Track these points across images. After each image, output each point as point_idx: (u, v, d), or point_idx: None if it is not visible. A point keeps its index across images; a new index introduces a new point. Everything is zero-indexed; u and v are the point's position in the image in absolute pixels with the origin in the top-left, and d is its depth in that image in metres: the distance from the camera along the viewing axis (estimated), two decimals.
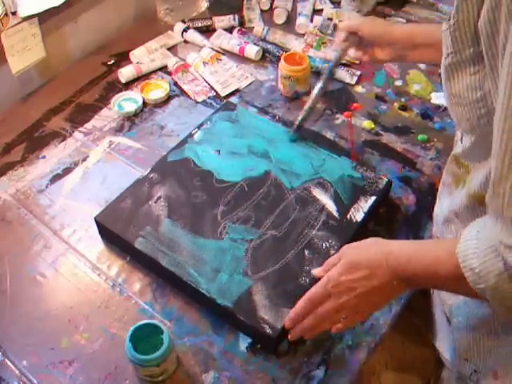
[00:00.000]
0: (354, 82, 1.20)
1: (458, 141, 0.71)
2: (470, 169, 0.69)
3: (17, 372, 0.76)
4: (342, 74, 1.21)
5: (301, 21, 1.34)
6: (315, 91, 1.02)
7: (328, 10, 1.38)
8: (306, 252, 0.84)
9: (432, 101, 1.16)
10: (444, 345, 0.86)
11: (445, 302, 0.82)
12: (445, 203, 0.79)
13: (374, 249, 0.69)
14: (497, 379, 0.74)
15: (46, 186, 1.01)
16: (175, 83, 1.22)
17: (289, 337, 0.76)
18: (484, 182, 0.64)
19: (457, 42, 0.55)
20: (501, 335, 0.72)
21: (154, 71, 1.25)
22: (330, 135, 1.09)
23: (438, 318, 0.88)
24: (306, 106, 1.02)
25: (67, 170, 1.04)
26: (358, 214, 0.89)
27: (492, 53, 0.50)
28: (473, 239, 0.57)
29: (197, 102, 1.17)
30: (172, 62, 1.24)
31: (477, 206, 0.68)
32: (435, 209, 0.85)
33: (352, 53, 1.02)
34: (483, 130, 0.58)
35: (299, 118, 1.02)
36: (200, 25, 1.35)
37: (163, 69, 1.26)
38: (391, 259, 0.66)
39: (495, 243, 0.54)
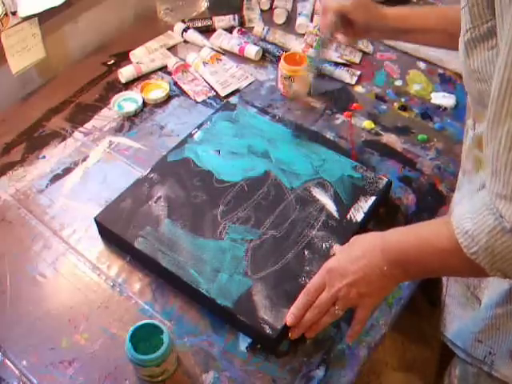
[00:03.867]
0: (353, 82, 1.20)
1: (469, 130, 0.71)
2: None
3: (17, 372, 0.76)
4: (342, 73, 1.21)
5: (301, 21, 1.34)
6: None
7: None
8: (306, 252, 0.84)
9: (432, 101, 1.16)
10: (456, 332, 0.84)
11: (474, 285, 0.82)
12: (465, 191, 0.78)
13: (367, 237, 0.72)
14: None
15: (46, 186, 1.01)
16: (175, 83, 1.22)
17: (289, 335, 0.76)
18: None
19: (475, 17, 0.55)
20: None
21: (154, 71, 1.25)
22: (330, 135, 1.09)
23: (452, 308, 0.87)
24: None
25: (67, 170, 1.04)
26: (358, 214, 0.89)
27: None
28: (467, 203, 0.58)
29: (197, 102, 1.17)
30: (172, 61, 1.24)
31: None
32: (454, 198, 0.85)
33: (341, 38, 0.99)
34: None
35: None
36: (200, 25, 1.35)
37: (163, 69, 1.26)
38: (384, 240, 0.69)
39: (488, 199, 0.54)
